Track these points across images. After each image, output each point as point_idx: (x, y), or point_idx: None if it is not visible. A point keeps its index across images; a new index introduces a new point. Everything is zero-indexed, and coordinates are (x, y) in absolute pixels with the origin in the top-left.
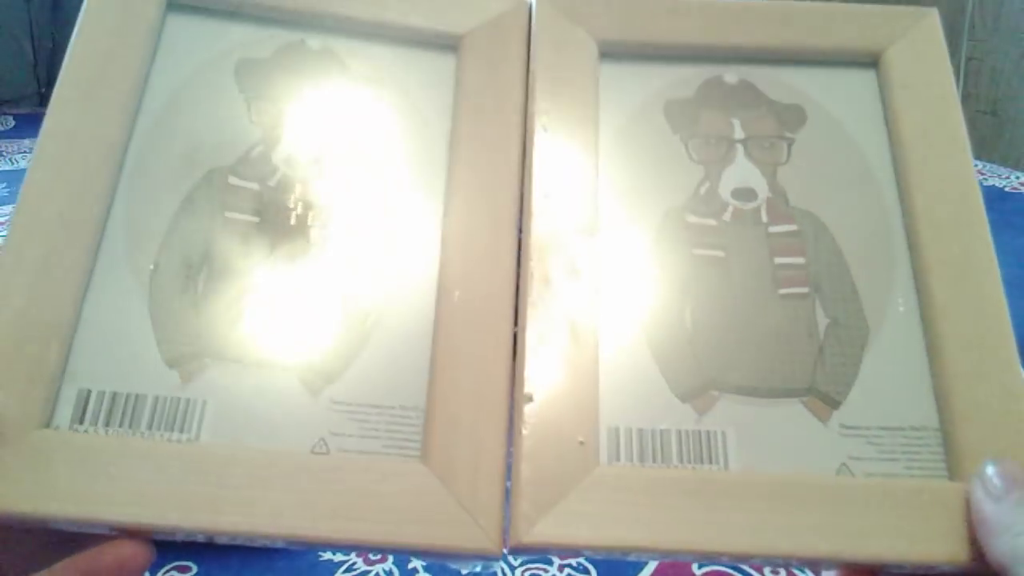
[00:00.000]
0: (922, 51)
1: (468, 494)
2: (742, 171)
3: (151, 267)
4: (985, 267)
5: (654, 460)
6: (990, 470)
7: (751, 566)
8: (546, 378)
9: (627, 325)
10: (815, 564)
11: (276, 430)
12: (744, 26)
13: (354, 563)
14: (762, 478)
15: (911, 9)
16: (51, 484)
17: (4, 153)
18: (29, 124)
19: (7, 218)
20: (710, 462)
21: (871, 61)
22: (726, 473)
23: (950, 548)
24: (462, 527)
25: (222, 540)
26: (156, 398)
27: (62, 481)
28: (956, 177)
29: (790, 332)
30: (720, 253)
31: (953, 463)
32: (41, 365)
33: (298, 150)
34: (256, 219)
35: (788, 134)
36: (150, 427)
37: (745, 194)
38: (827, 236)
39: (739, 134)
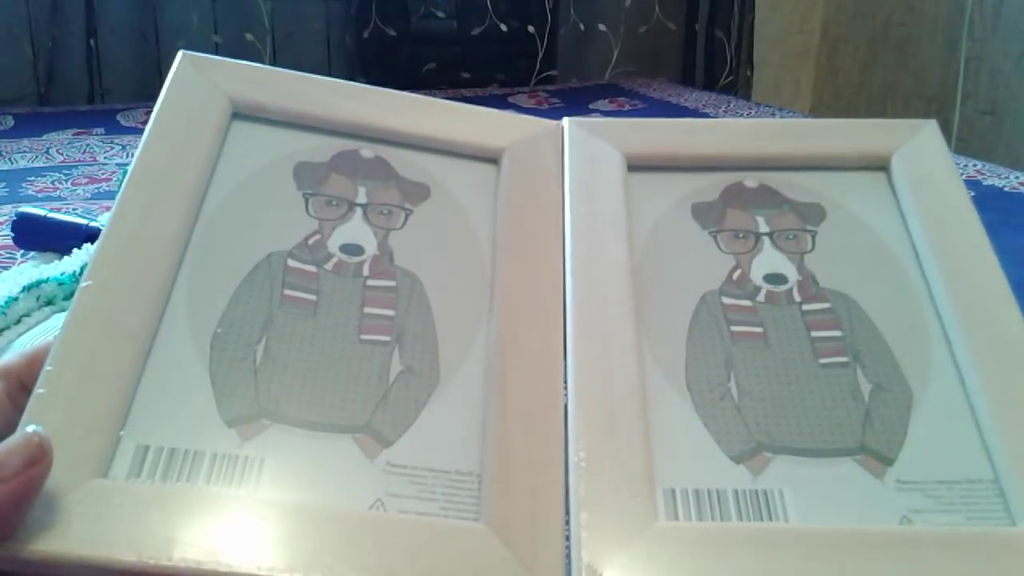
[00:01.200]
0: (929, 151)
1: (528, 554)
2: (771, 258)
3: (212, 335)
4: (1012, 328)
5: (713, 518)
6: None
7: None
8: (598, 444)
9: (673, 395)
10: None
11: (333, 489)
12: (760, 139)
13: None
14: (824, 529)
15: (913, 121)
16: (107, 530)
17: (3, 153)
18: (28, 124)
19: (5, 217)
20: (770, 518)
21: (881, 165)
22: (787, 527)
23: None
24: None
25: None
26: (215, 455)
27: (118, 527)
28: (975, 254)
29: (835, 397)
30: (759, 329)
31: (1013, 511)
32: (100, 419)
33: (353, 240)
34: (314, 297)
35: (810, 227)
36: (208, 482)
37: (776, 278)
38: (859, 311)
39: (764, 228)
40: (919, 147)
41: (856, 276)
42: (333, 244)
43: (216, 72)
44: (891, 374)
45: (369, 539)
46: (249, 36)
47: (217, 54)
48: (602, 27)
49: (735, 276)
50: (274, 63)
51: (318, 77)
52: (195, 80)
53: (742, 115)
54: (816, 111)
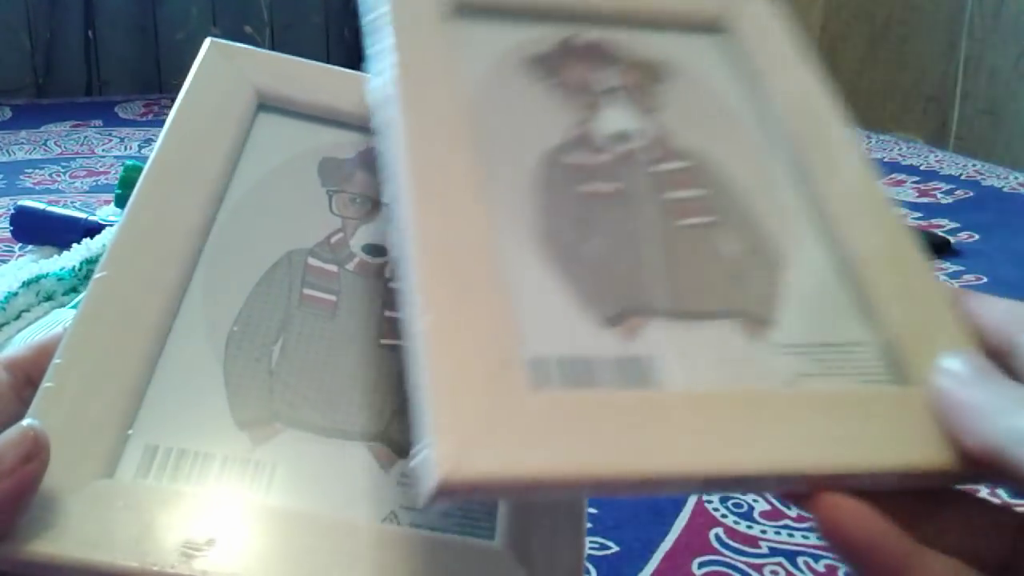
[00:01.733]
0: (763, 17)
1: (546, 567)
2: (617, 115)
3: (228, 334)
4: (870, 186)
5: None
6: (954, 362)
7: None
8: (449, 307)
9: (529, 253)
10: (778, 485)
11: (345, 499)
12: None
13: None
14: (707, 394)
15: None
16: (110, 533)
17: (1, 145)
18: (26, 115)
19: (4, 210)
20: (644, 386)
21: (721, 27)
22: (665, 393)
23: (907, 450)
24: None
25: None
26: (225, 457)
27: (122, 530)
28: (822, 117)
29: (701, 259)
30: (609, 187)
31: (897, 373)
32: (108, 416)
33: (377, 240)
34: (334, 298)
35: (655, 84)
36: (217, 486)
37: (622, 136)
38: (716, 170)
39: (607, 84)
40: (755, 11)
41: (707, 135)
42: (356, 244)
43: (244, 61)
44: (757, 235)
45: (379, 555)
46: (248, 28)
47: None
48: None
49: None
50: None
51: (346, 70)
52: (222, 68)
53: None
54: None
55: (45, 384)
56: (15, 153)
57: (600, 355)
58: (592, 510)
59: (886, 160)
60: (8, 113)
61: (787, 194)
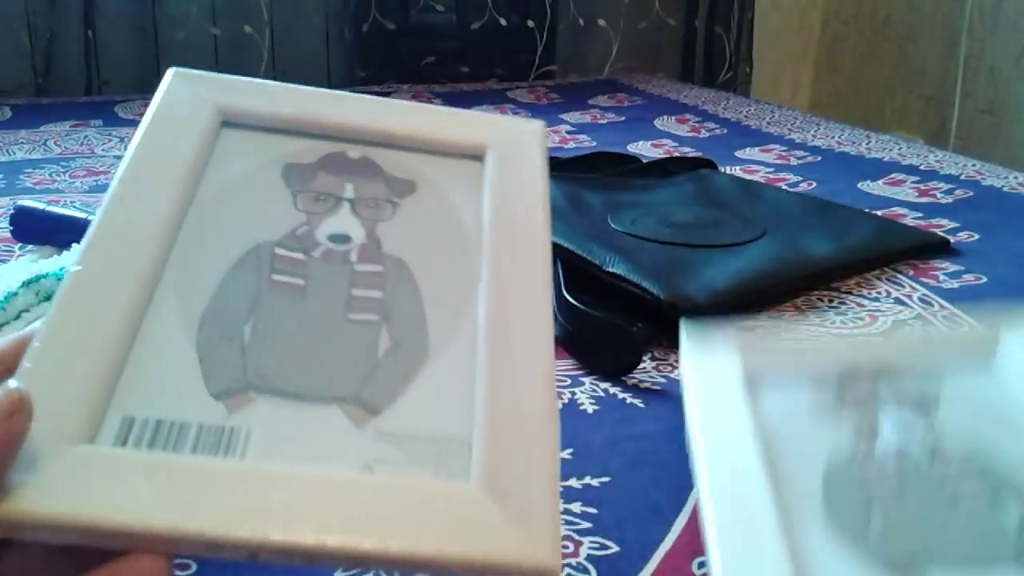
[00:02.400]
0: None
1: (521, 513)
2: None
3: (200, 316)
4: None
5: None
6: None
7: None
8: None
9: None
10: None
11: (321, 457)
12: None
13: None
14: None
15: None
16: (91, 494)
17: (1, 144)
18: (26, 115)
19: (4, 210)
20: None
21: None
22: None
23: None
24: (516, 543)
25: (264, 558)
26: (201, 426)
27: (103, 491)
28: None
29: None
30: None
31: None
32: (86, 391)
33: (341, 230)
34: (302, 281)
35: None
36: (194, 451)
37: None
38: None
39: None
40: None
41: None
42: (321, 234)
43: (205, 85)
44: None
45: (357, 501)
46: (248, 28)
47: (215, 46)
48: (601, 22)
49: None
50: (272, 56)
51: (304, 87)
52: (184, 92)
53: (741, 111)
54: (815, 108)
55: (23, 365)
56: (15, 153)
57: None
58: (591, 510)
59: (886, 160)
60: (8, 113)
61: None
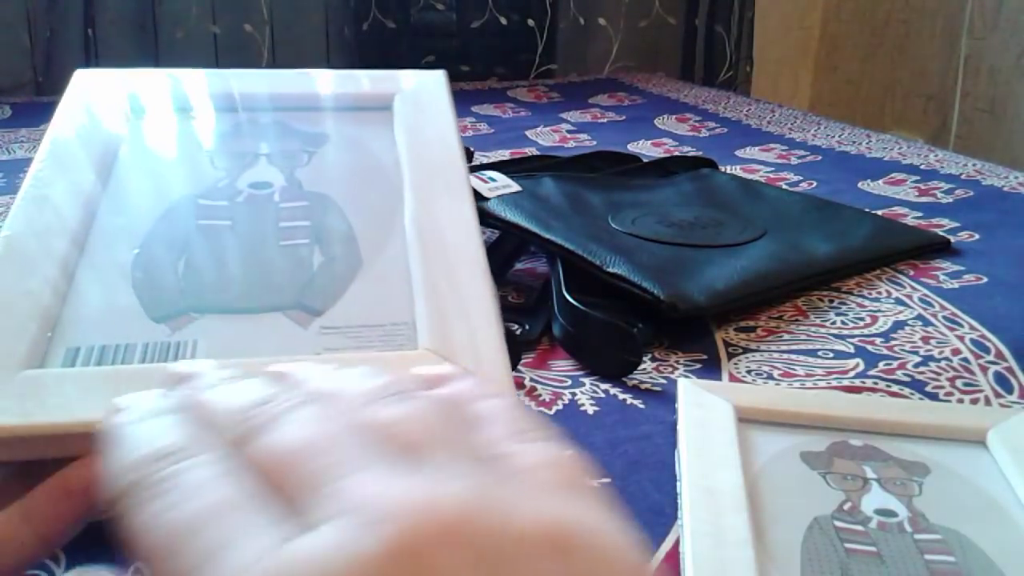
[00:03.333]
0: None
1: (472, 363)
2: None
3: (131, 260)
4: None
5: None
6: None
7: None
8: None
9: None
10: None
11: (269, 353)
12: (866, 407)
13: None
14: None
15: (1006, 410)
16: (40, 406)
17: (1, 142)
18: (26, 113)
19: (4, 209)
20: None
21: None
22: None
23: None
24: None
25: None
26: (146, 344)
27: (52, 401)
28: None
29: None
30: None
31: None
32: (28, 331)
33: (260, 178)
34: (229, 222)
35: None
36: (143, 362)
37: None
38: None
39: (872, 475)
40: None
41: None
42: (242, 183)
43: (114, 78)
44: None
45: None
46: (248, 27)
47: (215, 45)
48: (602, 21)
49: (846, 507)
50: (273, 54)
51: (196, 70)
52: (93, 86)
53: (742, 111)
54: (814, 108)
55: None
56: (15, 151)
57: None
58: None
59: (886, 160)
60: (8, 111)
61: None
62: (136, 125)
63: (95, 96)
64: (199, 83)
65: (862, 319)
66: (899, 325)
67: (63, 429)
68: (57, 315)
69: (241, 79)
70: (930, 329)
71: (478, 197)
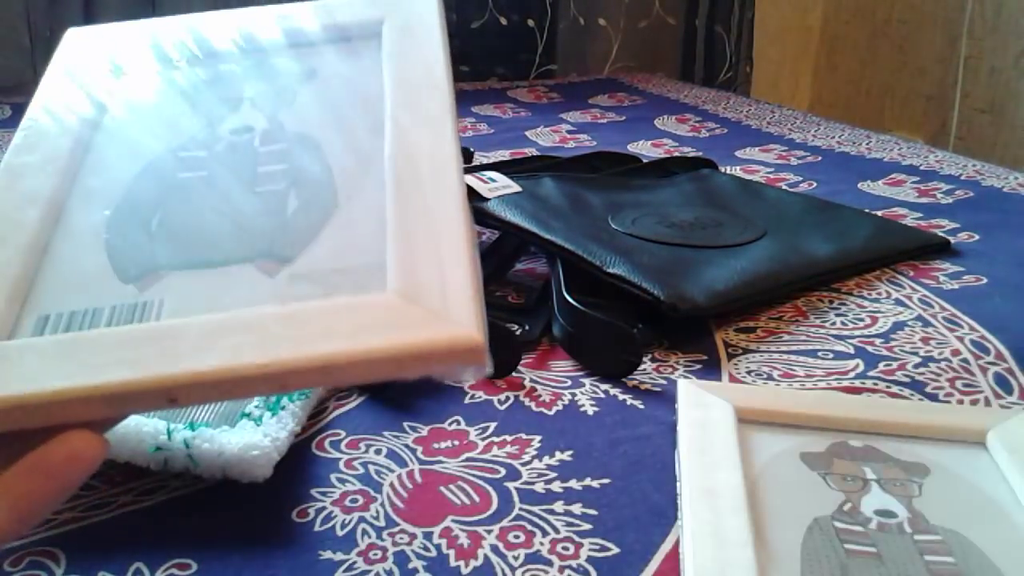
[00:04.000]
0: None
1: (439, 305)
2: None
3: (106, 220)
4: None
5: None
6: None
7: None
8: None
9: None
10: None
11: (235, 306)
12: (867, 408)
13: (354, 562)
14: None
15: (1005, 410)
16: (9, 378)
17: (0, 142)
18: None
19: None
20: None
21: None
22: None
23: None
24: (436, 329)
25: (185, 401)
26: (114, 307)
27: (20, 373)
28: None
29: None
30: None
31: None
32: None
33: (242, 123)
34: (206, 173)
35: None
36: (109, 325)
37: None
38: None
39: (872, 475)
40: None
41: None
42: (224, 131)
43: (102, 35)
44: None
45: (272, 326)
46: None
47: None
48: (602, 21)
49: (846, 508)
50: None
51: (188, 15)
52: (81, 47)
53: (741, 111)
54: (814, 108)
55: None
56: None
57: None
58: (592, 511)
59: (886, 160)
60: (8, 111)
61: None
62: (119, 84)
63: (80, 58)
64: (183, 30)
65: (862, 320)
66: (899, 326)
67: (28, 400)
68: (29, 285)
69: (225, 21)
70: (930, 330)
71: (478, 197)
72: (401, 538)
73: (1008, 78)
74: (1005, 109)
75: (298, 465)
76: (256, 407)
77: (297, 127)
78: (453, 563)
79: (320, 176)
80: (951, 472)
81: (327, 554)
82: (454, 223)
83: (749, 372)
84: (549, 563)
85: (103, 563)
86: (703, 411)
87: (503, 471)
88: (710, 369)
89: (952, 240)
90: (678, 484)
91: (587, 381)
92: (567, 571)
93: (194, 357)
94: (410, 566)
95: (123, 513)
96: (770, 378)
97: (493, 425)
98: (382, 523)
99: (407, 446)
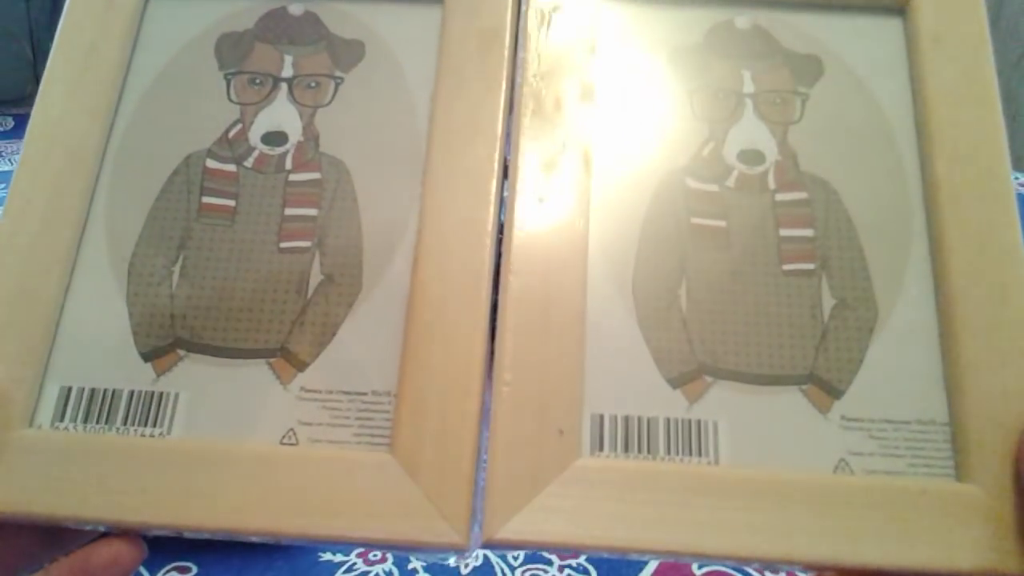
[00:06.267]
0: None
1: (435, 486)
2: (750, 130)
3: (129, 257)
4: (1008, 248)
5: (640, 451)
6: None
7: (751, 568)
8: (524, 360)
9: (617, 302)
10: (810, 568)
11: (247, 422)
12: None
13: (354, 563)
14: (754, 475)
15: None
16: (30, 484)
17: (3, 154)
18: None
19: None
20: (700, 455)
21: (898, 8)
22: (716, 468)
23: (950, 555)
24: (428, 521)
25: (189, 535)
26: (131, 393)
27: (40, 481)
28: (984, 146)
29: (792, 313)
30: (721, 223)
31: (962, 462)
32: (25, 364)
33: (277, 127)
34: (232, 203)
35: (802, 89)
36: (125, 423)
37: (753, 157)
38: (839, 207)
39: (749, 88)
40: None
41: (843, 159)
42: (255, 134)
43: None
44: (859, 288)
45: (277, 477)
46: None
47: None
48: None
49: (706, 151)
50: None
51: None
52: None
53: None
54: None
55: None
56: (16, 163)
57: (660, 415)
58: None
59: None
60: (10, 123)
61: (910, 241)
62: (154, 21)
63: (98, 25)
64: None
65: None
66: None
67: (42, 516)
68: (53, 338)
69: None
70: None
71: None
72: None
73: (1008, 78)
74: (1006, 111)
75: None
76: None
77: (332, 145)
78: (453, 563)
79: (349, 239)
80: (847, 69)
81: (327, 555)
82: (472, 368)
83: None
84: (549, 563)
85: None
86: None
87: None
88: None
89: None
90: None
91: None
92: (567, 570)
93: (202, 506)
94: (410, 567)
95: None
96: None
97: None
98: None
99: None
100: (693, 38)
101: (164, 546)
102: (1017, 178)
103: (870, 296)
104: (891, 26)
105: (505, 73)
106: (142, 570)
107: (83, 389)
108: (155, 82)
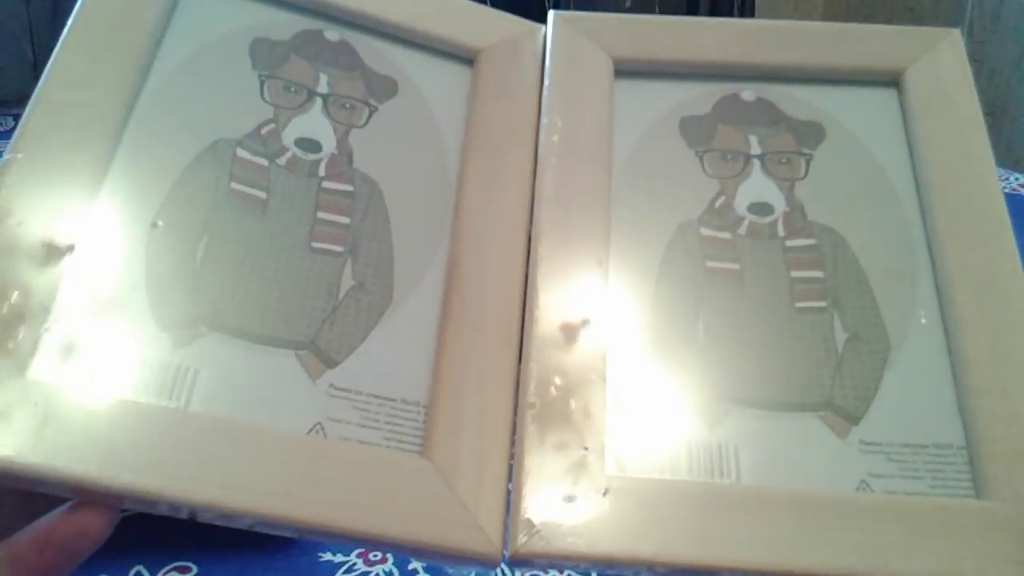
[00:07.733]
0: (945, 70)
1: (472, 494)
2: (758, 185)
3: (149, 227)
4: (1010, 279)
5: (662, 472)
6: None
7: None
8: (551, 385)
9: (637, 335)
10: None
11: (271, 409)
12: (760, 44)
13: (354, 564)
14: (776, 492)
15: (933, 29)
16: (30, 437)
17: (3, 153)
18: None
19: None
20: (721, 476)
21: (891, 80)
22: (739, 486)
23: (976, 568)
24: (464, 528)
25: (204, 518)
26: (150, 363)
27: (41, 435)
28: (979, 191)
29: (807, 346)
30: (735, 266)
31: (980, 482)
32: (27, 316)
33: (311, 135)
34: (263, 194)
35: (806, 150)
36: (138, 392)
37: (761, 208)
38: (847, 251)
39: (756, 150)
40: (936, 63)
41: (848, 209)
42: (288, 136)
43: None
44: (870, 323)
45: (305, 466)
46: None
47: None
48: None
49: (718, 204)
50: None
51: None
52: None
53: None
54: None
55: None
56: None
57: (682, 440)
58: None
59: None
60: (11, 123)
61: (915, 280)
62: (188, 11)
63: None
64: None
65: None
66: None
67: (52, 479)
68: (56, 291)
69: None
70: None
71: None
72: None
73: (1008, 79)
74: (1006, 111)
75: None
76: None
77: (366, 164)
78: (449, 567)
79: (381, 253)
80: (848, 133)
81: (327, 556)
82: (504, 378)
83: None
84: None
85: (104, 565)
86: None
87: None
88: None
89: None
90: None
91: None
92: (566, 571)
93: (219, 486)
94: (410, 567)
95: (124, 515)
96: None
97: None
98: None
99: None
100: (702, 108)
101: (164, 546)
102: (1018, 179)
103: (881, 330)
104: (887, 95)
105: (532, 125)
106: (142, 570)
107: (91, 344)
108: (185, 63)
